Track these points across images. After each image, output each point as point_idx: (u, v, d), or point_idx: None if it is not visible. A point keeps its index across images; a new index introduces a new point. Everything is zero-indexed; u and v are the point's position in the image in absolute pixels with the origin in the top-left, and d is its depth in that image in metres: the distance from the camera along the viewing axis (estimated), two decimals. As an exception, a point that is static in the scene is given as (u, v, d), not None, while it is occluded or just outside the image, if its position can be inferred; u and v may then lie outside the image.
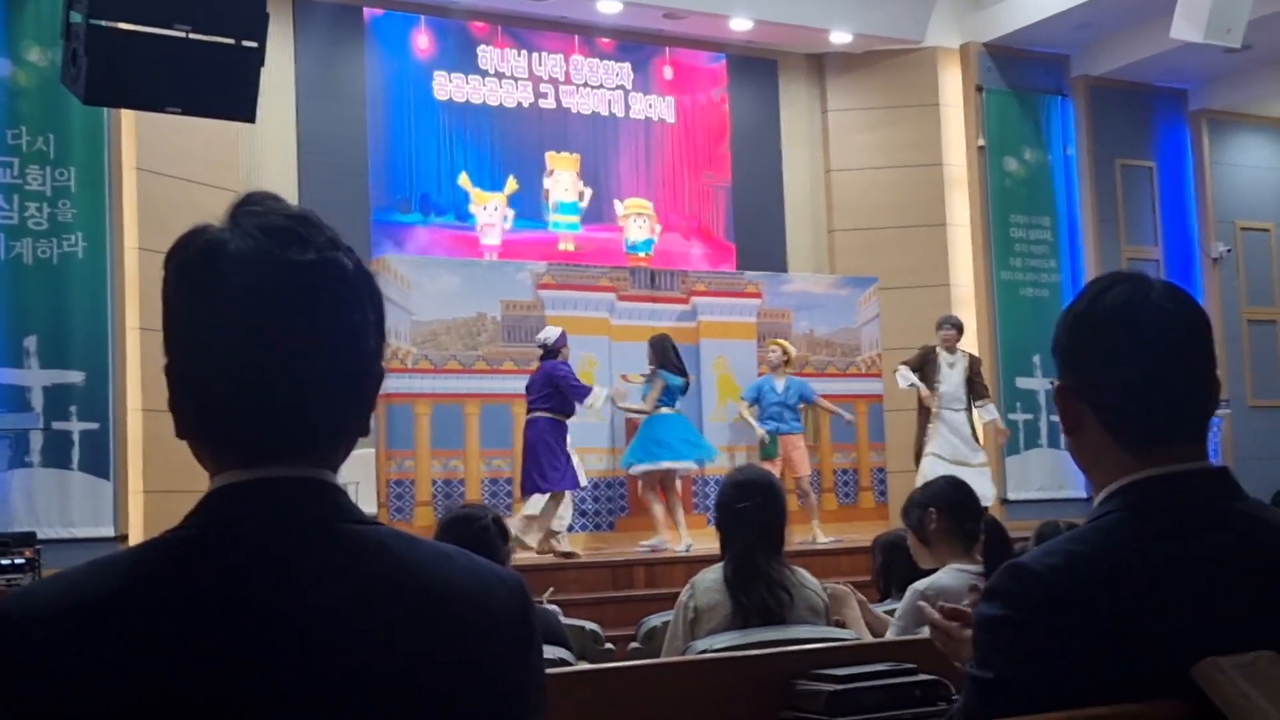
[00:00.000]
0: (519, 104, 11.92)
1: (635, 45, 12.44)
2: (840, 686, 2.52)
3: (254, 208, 1.27)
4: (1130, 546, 1.68)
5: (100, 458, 9.12)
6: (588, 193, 12.14)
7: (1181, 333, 1.76)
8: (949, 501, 4.12)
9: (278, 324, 1.23)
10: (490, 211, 11.71)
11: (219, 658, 1.14)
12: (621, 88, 12.38)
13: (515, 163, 11.88)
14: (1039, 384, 12.38)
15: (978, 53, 12.71)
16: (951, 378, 10.52)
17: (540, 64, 12.05)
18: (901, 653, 2.73)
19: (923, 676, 2.60)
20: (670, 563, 9.12)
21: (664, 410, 9.77)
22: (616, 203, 12.30)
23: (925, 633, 3.33)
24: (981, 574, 3.66)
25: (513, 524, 9.09)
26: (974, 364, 10.67)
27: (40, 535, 8.47)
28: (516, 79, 11.93)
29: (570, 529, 9.67)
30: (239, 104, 6.18)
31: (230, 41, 6.01)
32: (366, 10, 11.42)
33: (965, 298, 12.62)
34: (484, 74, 11.81)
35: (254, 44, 6.02)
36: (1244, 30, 9.68)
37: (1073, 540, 1.71)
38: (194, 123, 7.91)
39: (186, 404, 1.26)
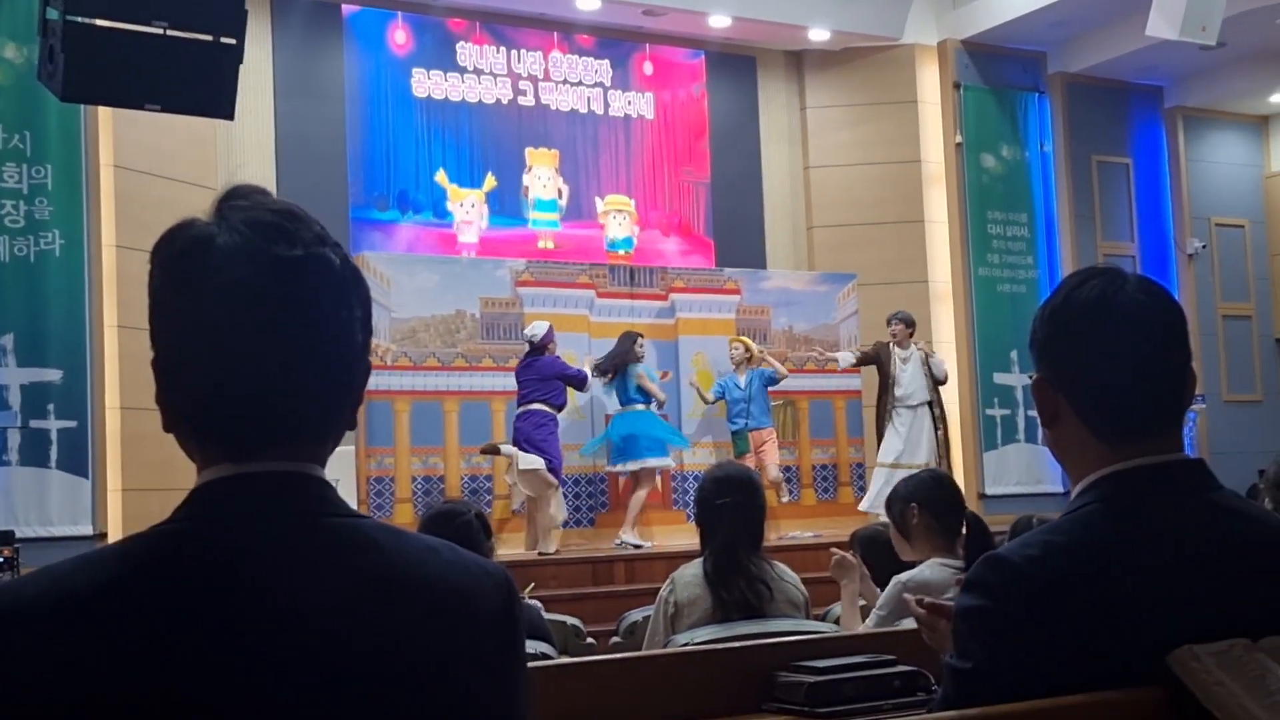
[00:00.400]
0: (498, 101, 11.91)
1: (614, 42, 12.44)
2: (819, 678, 2.54)
3: (240, 202, 1.27)
4: (1107, 537, 1.70)
5: (78, 456, 9.08)
6: (565, 189, 12.14)
7: (1156, 326, 1.78)
8: (930, 498, 4.13)
9: (265, 319, 1.23)
10: (467, 209, 11.70)
11: (206, 652, 1.14)
12: (601, 85, 12.39)
13: (494, 160, 11.88)
14: (1016, 380, 12.44)
15: (955, 50, 12.75)
16: (905, 374, 10.53)
17: (519, 61, 12.04)
18: (881, 644, 2.75)
19: (902, 668, 2.62)
20: (650, 558, 9.15)
21: (638, 407, 9.81)
22: (597, 200, 12.31)
23: (905, 624, 3.35)
24: (963, 569, 3.68)
25: (506, 448, 9.16)
26: (929, 358, 10.69)
27: (18, 534, 8.42)
28: (495, 76, 11.92)
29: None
30: (217, 101, 6.16)
31: (208, 38, 5.99)
32: (345, 7, 11.39)
33: (943, 294, 12.67)
34: (463, 71, 11.80)
35: (232, 41, 6.01)
36: (1219, 28, 9.73)
37: (1050, 531, 1.73)
38: (172, 120, 7.89)
39: (173, 398, 1.26)
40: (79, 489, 9.06)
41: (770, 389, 10.42)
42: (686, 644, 3.55)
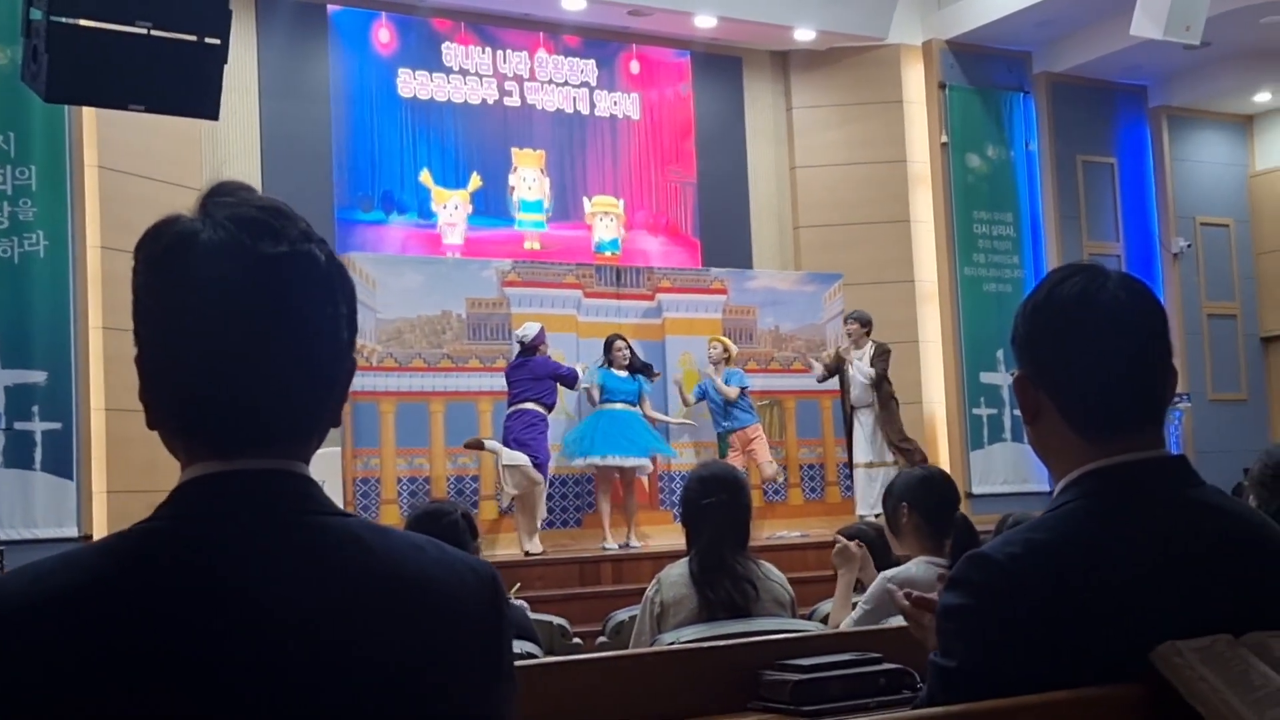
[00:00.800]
0: (484, 101, 11.90)
1: (600, 42, 12.43)
2: (805, 676, 2.54)
3: (225, 198, 1.27)
4: (1089, 534, 1.70)
5: (63, 458, 9.05)
6: (551, 190, 12.11)
7: (1137, 323, 1.79)
8: (920, 497, 4.13)
9: (249, 316, 1.23)
10: (451, 210, 11.68)
11: (188, 651, 1.13)
12: (586, 85, 12.38)
13: (480, 160, 11.86)
14: (1002, 379, 12.46)
15: (940, 50, 12.78)
16: (856, 377, 10.51)
17: (505, 61, 12.03)
18: (866, 642, 2.75)
19: (887, 665, 2.62)
20: (637, 558, 9.15)
21: (618, 406, 9.82)
22: (585, 200, 12.30)
23: (891, 621, 3.36)
24: (949, 568, 3.69)
25: (490, 443, 9.16)
26: (880, 354, 10.50)
27: (2, 536, 8.41)
28: (481, 76, 11.91)
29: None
30: (202, 101, 6.14)
31: (192, 38, 5.97)
32: (330, 7, 11.37)
33: (929, 293, 12.70)
34: (448, 71, 11.78)
35: (217, 41, 5.99)
36: (1203, 27, 9.77)
37: (1033, 529, 1.74)
38: (156, 120, 7.86)
39: (157, 396, 1.26)
40: (64, 491, 9.03)
41: (750, 390, 10.46)
42: (672, 643, 3.55)
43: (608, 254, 12.15)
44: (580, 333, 10.39)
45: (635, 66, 12.64)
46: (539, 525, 9.41)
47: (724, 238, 12.64)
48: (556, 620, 5.21)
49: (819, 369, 10.67)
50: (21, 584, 1.17)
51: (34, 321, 9.04)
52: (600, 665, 2.68)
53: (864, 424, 10.50)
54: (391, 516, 9.18)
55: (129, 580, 1.16)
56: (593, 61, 12.40)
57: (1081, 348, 1.77)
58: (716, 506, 3.92)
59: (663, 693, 2.56)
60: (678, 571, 3.93)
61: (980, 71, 12.94)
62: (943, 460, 11.89)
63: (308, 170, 10.93)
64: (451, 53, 11.81)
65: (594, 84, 12.40)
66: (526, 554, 9.14)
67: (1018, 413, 1.89)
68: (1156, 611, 1.65)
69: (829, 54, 12.88)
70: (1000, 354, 12.49)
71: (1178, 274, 14.02)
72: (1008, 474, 12.40)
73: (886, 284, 12.32)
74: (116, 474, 9.20)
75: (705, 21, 12.11)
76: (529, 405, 9.24)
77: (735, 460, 9.80)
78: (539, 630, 4.39)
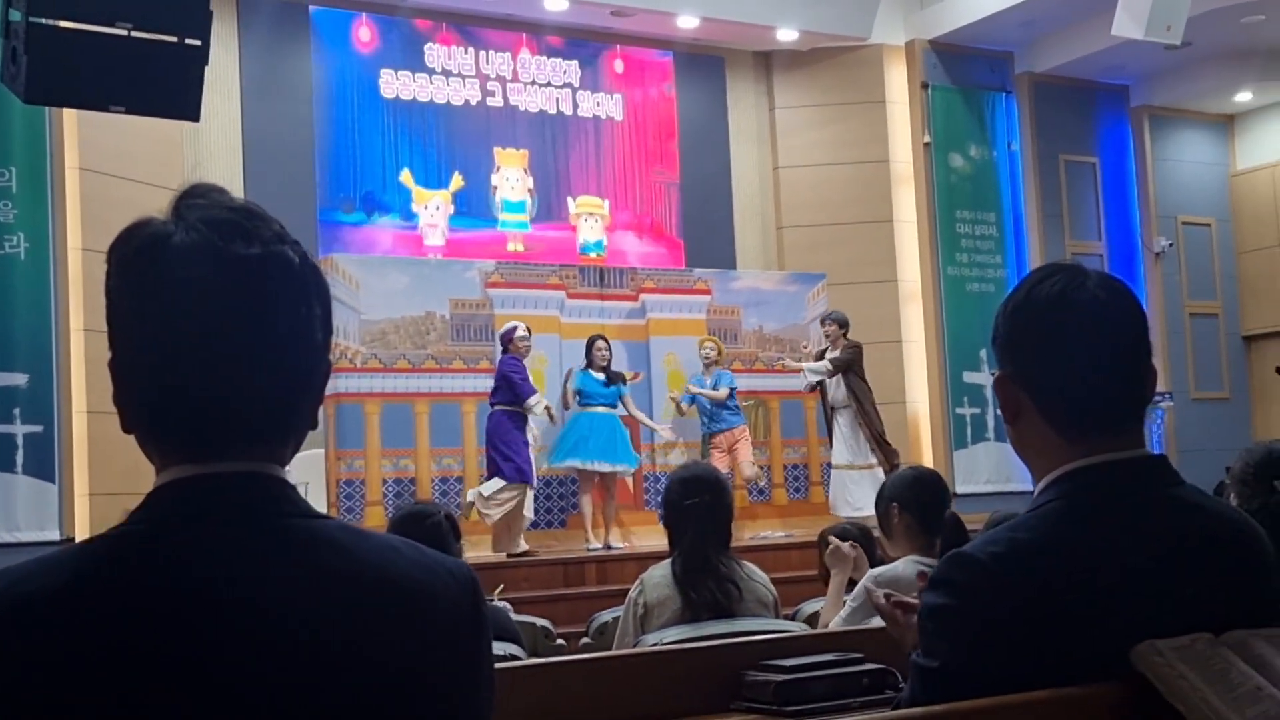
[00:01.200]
0: (466, 102, 11.88)
1: (583, 42, 12.43)
2: (788, 677, 2.54)
3: (198, 200, 1.26)
4: (1070, 533, 1.70)
5: (45, 460, 9.02)
6: (534, 191, 12.10)
7: (1117, 323, 1.79)
8: (910, 498, 4.13)
9: (222, 318, 1.22)
10: (432, 211, 11.66)
11: (165, 654, 1.13)
12: (569, 85, 12.38)
13: (463, 161, 11.85)
14: (985, 379, 12.47)
15: (923, 50, 12.80)
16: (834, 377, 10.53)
17: (488, 62, 12.02)
18: (849, 642, 2.75)
19: (870, 665, 2.62)
20: (622, 559, 9.14)
21: (599, 409, 9.81)
22: (570, 200, 12.29)
23: (875, 622, 3.36)
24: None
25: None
26: (845, 348, 10.50)
27: (-16, 539, 8.37)
28: (464, 77, 11.89)
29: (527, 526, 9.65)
30: (183, 103, 6.12)
31: (173, 39, 5.95)
32: (311, 7, 11.34)
33: (912, 293, 12.72)
34: (431, 72, 11.76)
35: (197, 42, 5.97)
36: (1184, 27, 9.81)
37: (1014, 528, 1.74)
38: (137, 122, 7.83)
39: (131, 399, 1.26)
40: (46, 494, 9.00)
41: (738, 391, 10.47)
42: (656, 644, 3.55)
43: (593, 256, 12.14)
44: (563, 334, 10.39)
45: (619, 66, 12.64)
46: (525, 526, 9.39)
47: (707, 238, 12.65)
48: (540, 622, 5.20)
49: (810, 377, 10.58)
50: (-4, 588, 1.16)
51: (15, 324, 9.00)
52: (583, 666, 2.68)
53: (841, 425, 10.52)
54: (376, 518, 9.16)
55: (105, 584, 1.16)
56: (575, 62, 12.40)
57: (1061, 348, 1.77)
58: (699, 507, 3.92)
59: (646, 694, 2.56)
60: (660, 572, 3.93)
61: (963, 71, 12.96)
62: (926, 460, 11.91)
63: (290, 171, 10.90)
64: (434, 53, 11.80)
65: (577, 84, 12.40)
66: (508, 555, 9.12)
67: (1000, 412, 1.89)
68: (1137, 610, 1.66)
69: (811, 54, 12.89)
70: (983, 353, 12.51)
71: (1160, 273, 14.07)
72: (991, 473, 12.42)
73: (869, 284, 12.34)
74: (98, 477, 9.17)
75: (688, 22, 12.11)
76: (499, 407, 9.20)
77: (719, 461, 9.81)
78: (522, 632, 4.38)
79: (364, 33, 11.55)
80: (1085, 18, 12.02)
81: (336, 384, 9.42)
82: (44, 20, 5.67)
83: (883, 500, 4.21)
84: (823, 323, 10.71)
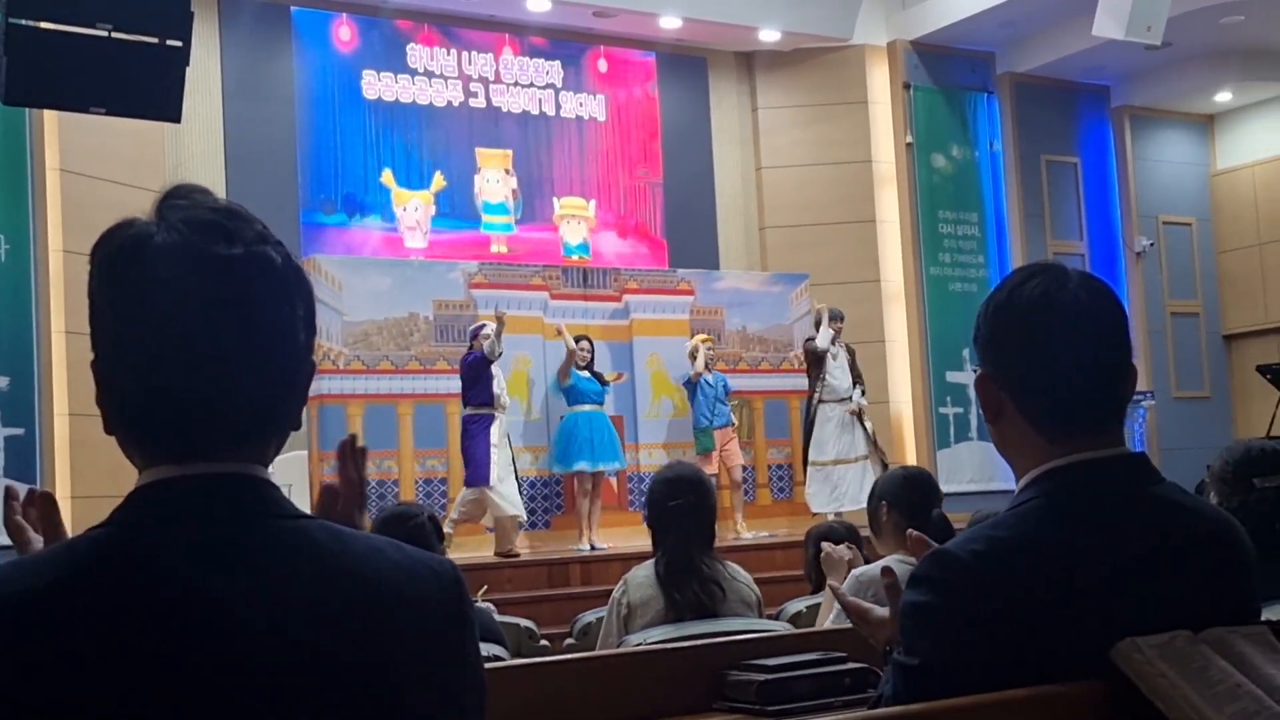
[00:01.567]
0: (449, 103, 11.87)
1: (565, 43, 12.43)
2: (770, 676, 2.54)
3: (180, 201, 1.26)
4: (1051, 531, 1.71)
5: (26, 463, 8.98)
6: (518, 192, 12.08)
7: (1099, 323, 1.79)
8: (899, 496, 4.14)
9: (204, 319, 1.22)
10: (412, 212, 11.62)
11: (149, 655, 1.13)
12: (552, 86, 12.37)
13: (445, 162, 11.83)
14: (968, 378, 12.50)
15: (905, 50, 12.83)
16: (837, 370, 10.61)
17: (470, 62, 12.00)
18: (832, 642, 2.76)
19: (852, 665, 2.63)
20: (606, 560, 9.13)
21: (587, 408, 9.81)
22: (555, 200, 12.28)
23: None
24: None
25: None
26: (853, 353, 10.81)
27: (-35, 543, 8.30)
28: (446, 78, 11.87)
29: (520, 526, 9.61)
30: (164, 104, 6.11)
31: (154, 40, 5.94)
32: (293, 8, 11.31)
33: (895, 293, 12.75)
34: (413, 73, 11.74)
35: (178, 43, 5.96)
36: (1164, 27, 9.86)
37: (995, 526, 1.74)
38: (118, 123, 7.81)
39: (113, 400, 1.26)
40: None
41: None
42: (639, 644, 3.55)
43: (576, 258, 12.13)
44: (547, 335, 10.38)
45: (601, 67, 12.64)
46: (517, 525, 9.36)
47: (690, 238, 12.65)
48: (524, 622, 5.20)
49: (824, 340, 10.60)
50: (-24, 591, 1.16)
51: (-5, 326, 8.97)
52: (567, 667, 2.68)
53: (832, 418, 10.52)
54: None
55: (83, 586, 1.15)
56: (558, 63, 12.39)
57: (1044, 351, 1.78)
58: (682, 508, 3.92)
59: (629, 694, 2.56)
60: (644, 573, 3.93)
61: (944, 72, 13.00)
62: (910, 460, 11.93)
63: (272, 172, 10.87)
64: (416, 54, 11.77)
65: (559, 85, 12.39)
66: (496, 553, 9.11)
67: (981, 411, 1.89)
68: (1118, 608, 1.66)
69: (794, 55, 12.91)
70: (966, 353, 12.54)
71: (1141, 273, 14.12)
72: (974, 473, 12.45)
73: (852, 284, 12.36)
74: (81, 479, 9.13)
75: (670, 22, 12.12)
76: (466, 411, 9.19)
77: (713, 460, 9.89)
78: (506, 633, 4.38)
79: (345, 33, 11.52)
80: (1066, 18, 12.07)
81: (319, 385, 9.41)
82: (24, 21, 5.66)
83: (873, 499, 4.23)
84: (833, 319, 10.66)
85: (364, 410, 9.69)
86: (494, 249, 11.87)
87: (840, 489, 10.42)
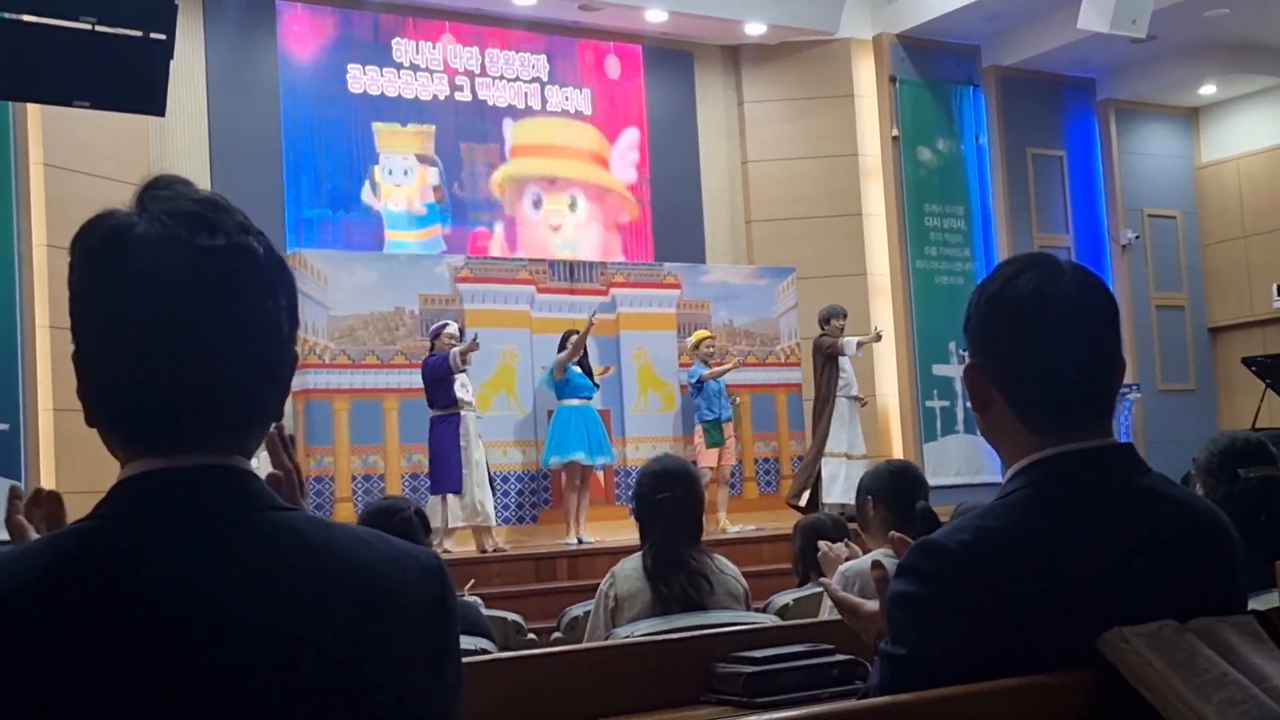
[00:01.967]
0: (434, 96, 11.84)
1: (551, 37, 12.40)
2: (757, 668, 2.54)
3: (162, 192, 1.25)
4: (1038, 521, 1.71)
5: (11, 458, 8.94)
6: (499, 180, 12.07)
7: (1091, 319, 1.79)
8: (886, 491, 4.14)
9: (186, 310, 1.21)
10: (399, 205, 11.60)
11: (129, 649, 1.12)
12: (538, 79, 12.34)
13: (430, 156, 11.80)
14: (955, 371, 12.53)
15: (890, 44, 12.84)
16: (847, 365, 10.69)
17: (455, 56, 11.98)
18: (819, 634, 2.76)
19: (840, 657, 2.63)
20: (593, 554, 9.14)
21: (576, 402, 9.81)
22: (542, 194, 12.26)
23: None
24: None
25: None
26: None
27: (-50, 539, 8.27)
28: (431, 71, 11.84)
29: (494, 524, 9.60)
30: (148, 97, 6.09)
31: (137, 34, 5.92)
32: (278, 1, 11.27)
33: (881, 286, 12.76)
34: (398, 66, 11.71)
35: (162, 36, 5.94)
36: (1148, 21, 9.88)
37: (982, 516, 1.74)
38: (102, 117, 7.78)
39: (95, 393, 1.25)
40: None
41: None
42: (627, 637, 3.55)
43: (565, 254, 12.11)
44: (534, 328, 10.38)
45: (588, 59, 12.62)
46: (488, 525, 9.32)
47: (677, 232, 12.65)
48: (511, 616, 5.19)
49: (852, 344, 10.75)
50: (-42, 586, 1.15)
51: (-21, 321, 8.93)
52: (554, 660, 2.67)
53: (843, 414, 10.59)
54: (346, 515, 9.13)
55: (66, 580, 1.15)
56: (544, 56, 12.37)
57: (1035, 346, 1.77)
58: (670, 501, 3.92)
59: (616, 687, 2.56)
60: (631, 566, 3.93)
61: (930, 65, 13.01)
62: (896, 453, 11.95)
63: (257, 166, 10.83)
64: (401, 48, 11.74)
65: (545, 79, 12.37)
66: (479, 550, 9.11)
67: (970, 404, 1.89)
68: (1105, 598, 1.66)
69: (780, 48, 12.91)
70: (952, 346, 12.56)
71: (1126, 265, 14.16)
72: (961, 465, 12.47)
73: (839, 277, 12.37)
74: (66, 474, 9.09)
75: (656, 16, 12.11)
76: (433, 413, 9.14)
77: (716, 454, 9.92)
78: (493, 627, 4.38)
79: (330, 26, 11.48)
80: (1051, 12, 12.09)
81: (305, 380, 9.39)
82: (6, 14, 5.63)
83: (860, 494, 4.23)
84: (841, 316, 10.73)
85: (349, 405, 9.68)
86: (479, 243, 11.85)
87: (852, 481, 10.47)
